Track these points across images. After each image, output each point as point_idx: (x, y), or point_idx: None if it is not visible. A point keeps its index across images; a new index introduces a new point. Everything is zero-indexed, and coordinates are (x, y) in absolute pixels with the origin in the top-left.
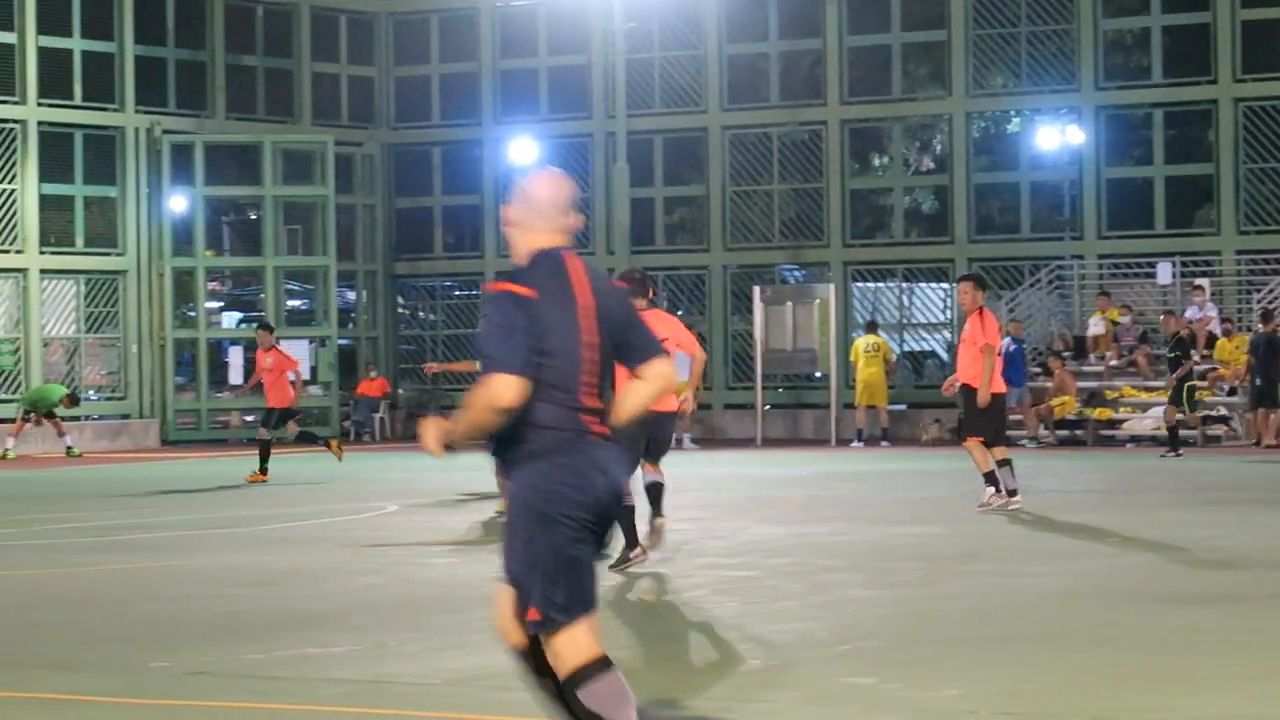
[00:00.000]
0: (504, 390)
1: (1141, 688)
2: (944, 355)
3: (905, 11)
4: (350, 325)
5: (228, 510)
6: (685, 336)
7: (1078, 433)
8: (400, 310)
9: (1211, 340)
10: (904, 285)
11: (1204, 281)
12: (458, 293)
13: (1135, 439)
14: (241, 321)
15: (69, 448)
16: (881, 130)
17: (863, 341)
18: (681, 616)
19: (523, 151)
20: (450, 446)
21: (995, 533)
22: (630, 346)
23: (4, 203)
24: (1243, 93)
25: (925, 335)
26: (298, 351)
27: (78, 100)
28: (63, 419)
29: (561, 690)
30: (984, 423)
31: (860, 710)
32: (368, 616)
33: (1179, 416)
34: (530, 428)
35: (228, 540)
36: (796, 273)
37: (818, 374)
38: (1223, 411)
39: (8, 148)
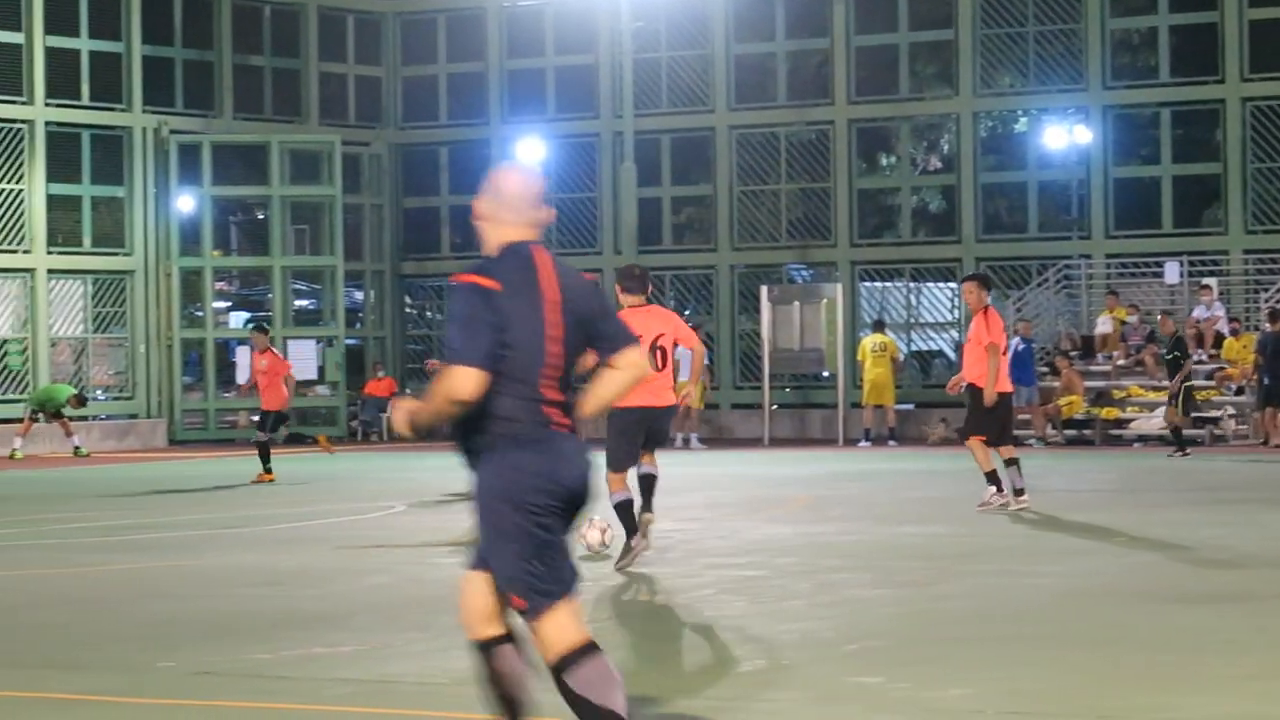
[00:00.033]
0: (464, 382)
1: (1148, 687)
2: (951, 355)
3: (913, 11)
4: (358, 325)
5: (234, 510)
6: (684, 331)
7: (1085, 432)
8: (408, 310)
9: (1219, 340)
10: (911, 285)
11: (1211, 281)
12: None
13: (1143, 438)
14: (249, 321)
15: (76, 448)
16: (889, 130)
17: (869, 341)
18: (688, 616)
19: (530, 151)
20: (418, 429)
21: (1002, 532)
22: (601, 337)
23: (11, 203)
24: (1250, 92)
25: (933, 335)
26: (305, 351)
27: (85, 100)
28: (70, 419)
29: (553, 676)
30: (988, 422)
31: (867, 710)
32: (374, 616)
33: (1190, 417)
34: (493, 419)
35: (234, 540)
36: (804, 272)
37: (825, 373)
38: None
39: (15, 148)
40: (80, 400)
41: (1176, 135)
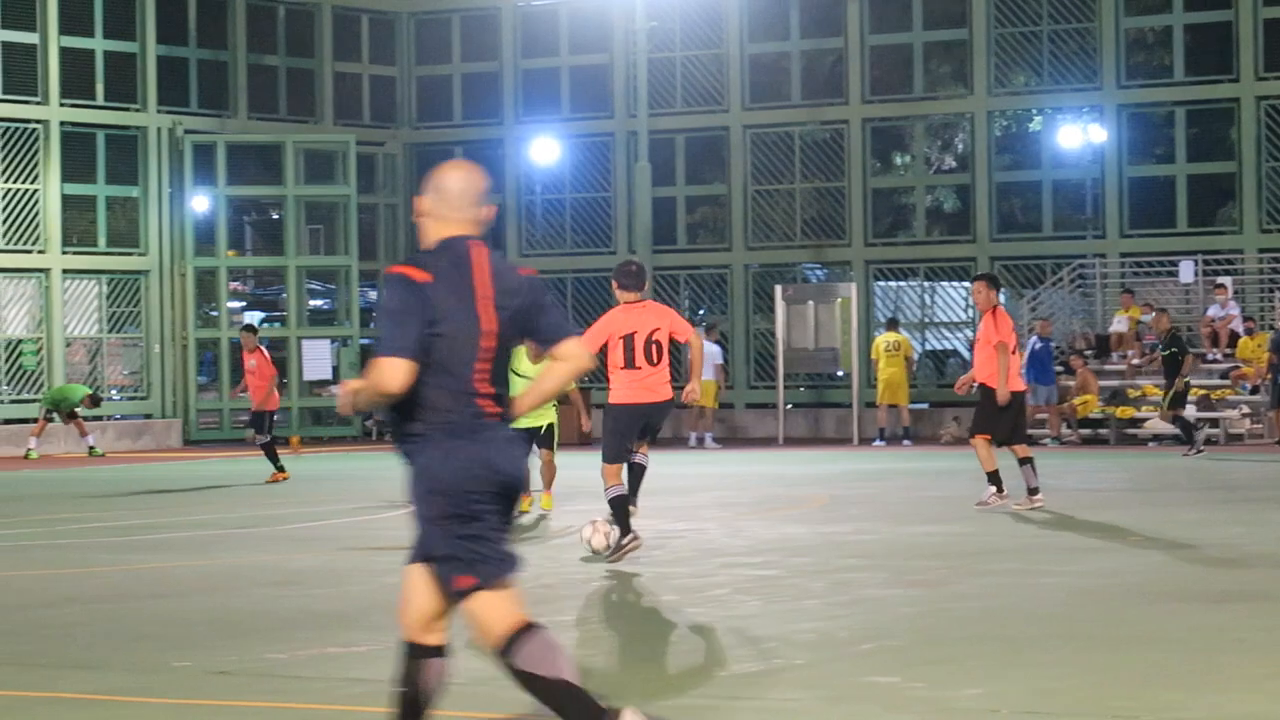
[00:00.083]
0: (392, 374)
1: (1162, 686)
2: (966, 354)
3: (927, 10)
4: (372, 325)
5: (249, 510)
6: (679, 325)
7: (1100, 431)
8: None
9: (1234, 339)
10: (926, 284)
11: (1226, 280)
12: None
13: (1158, 438)
14: (264, 321)
15: (91, 448)
16: (903, 129)
17: (883, 340)
18: (703, 615)
19: (544, 151)
20: (359, 409)
21: (1017, 532)
22: (539, 330)
23: (27, 203)
24: (1265, 91)
25: (947, 334)
26: (320, 351)
27: (100, 100)
28: (85, 419)
29: (500, 662)
30: (996, 421)
31: (882, 709)
32: (389, 616)
33: (1174, 414)
34: (426, 409)
35: (249, 540)
36: (818, 272)
37: (840, 373)
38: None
39: (30, 148)
40: (95, 400)
41: (1191, 134)
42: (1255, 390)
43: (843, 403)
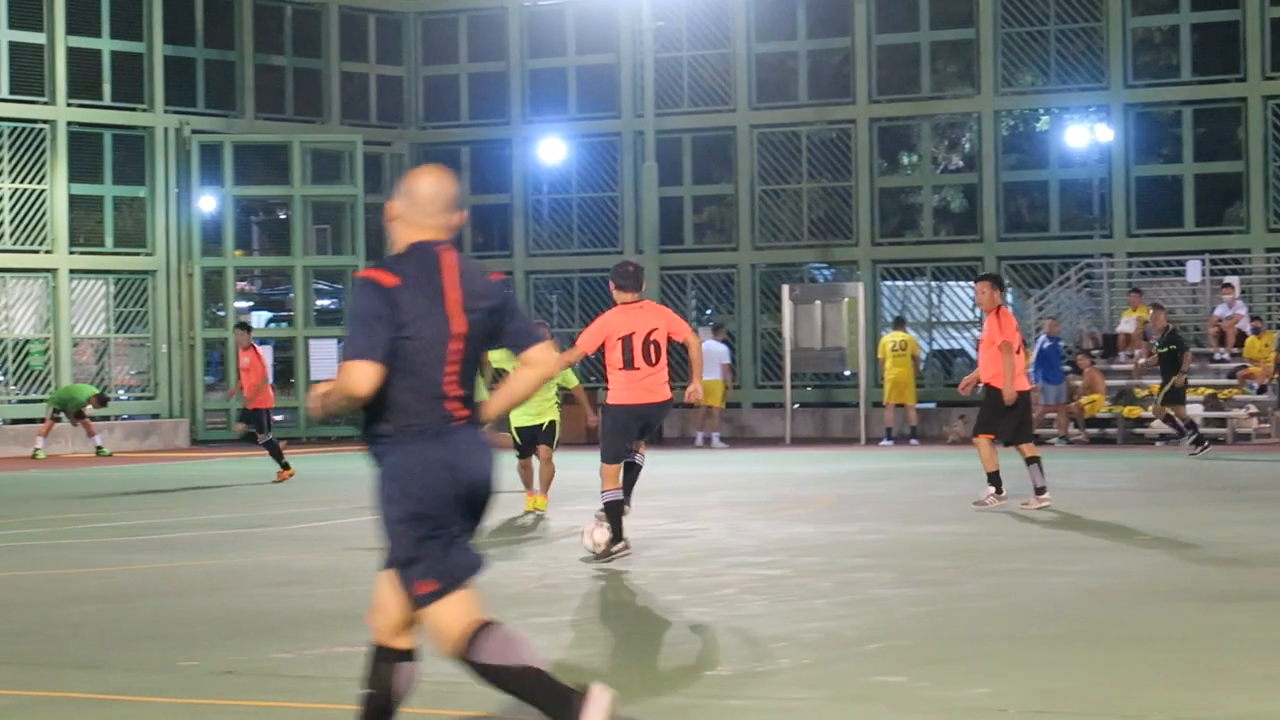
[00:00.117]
0: (360, 377)
1: (1170, 686)
2: (973, 354)
3: (934, 10)
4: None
5: (257, 509)
6: (677, 324)
7: (1108, 431)
8: None
9: (1241, 338)
10: (933, 284)
11: (1233, 279)
12: None
13: (1165, 437)
14: (271, 321)
15: (98, 447)
16: (910, 129)
17: (890, 339)
18: (710, 615)
19: (551, 151)
20: (329, 412)
21: (1025, 531)
22: (508, 334)
23: (34, 203)
24: (1272, 90)
25: (955, 334)
26: (327, 351)
27: (107, 100)
28: (92, 419)
29: (464, 664)
30: (1000, 421)
31: (890, 709)
32: None
33: (1168, 412)
34: (395, 412)
35: (256, 539)
36: (825, 271)
37: (847, 372)
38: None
39: (37, 148)
40: (102, 400)
41: (1198, 134)
42: (1262, 390)
43: (850, 402)
